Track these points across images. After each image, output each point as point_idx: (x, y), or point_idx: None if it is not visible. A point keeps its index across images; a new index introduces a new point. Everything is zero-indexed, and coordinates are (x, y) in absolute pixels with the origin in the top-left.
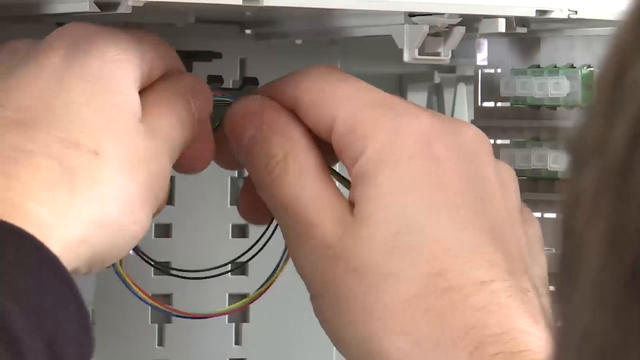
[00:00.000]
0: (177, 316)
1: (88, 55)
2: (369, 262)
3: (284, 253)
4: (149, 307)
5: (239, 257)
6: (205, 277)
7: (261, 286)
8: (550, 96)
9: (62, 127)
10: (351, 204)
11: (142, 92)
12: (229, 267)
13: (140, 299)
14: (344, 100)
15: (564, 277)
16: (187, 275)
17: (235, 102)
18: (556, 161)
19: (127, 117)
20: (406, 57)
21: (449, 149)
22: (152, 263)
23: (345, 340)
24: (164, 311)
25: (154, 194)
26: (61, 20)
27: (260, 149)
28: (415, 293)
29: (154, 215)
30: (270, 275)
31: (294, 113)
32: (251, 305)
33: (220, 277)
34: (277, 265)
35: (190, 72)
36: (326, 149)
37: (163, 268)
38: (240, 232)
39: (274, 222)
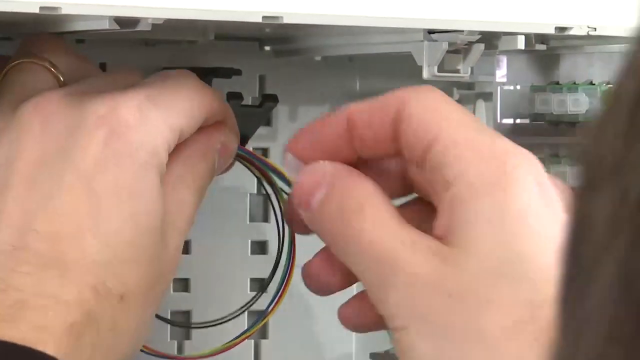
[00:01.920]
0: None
1: (121, 166)
2: (468, 288)
3: (287, 267)
4: (168, 324)
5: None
6: (223, 322)
7: (270, 304)
8: (569, 113)
9: (93, 270)
10: (438, 235)
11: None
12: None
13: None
14: (449, 119)
15: (571, 298)
16: (206, 325)
17: (302, 170)
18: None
19: (153, 239)
20: (425, 74)
21: (550, 182)
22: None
23: None
24: None
25: (165, 293)
26: (81, 37)
27: (334, 204)
28: (519, 319)
29: None
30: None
31: (392, 127)
32: (270, 322)
33: (240, 293)
34: (283, 281)
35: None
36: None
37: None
38: (259, 249)
39: (290, 236)
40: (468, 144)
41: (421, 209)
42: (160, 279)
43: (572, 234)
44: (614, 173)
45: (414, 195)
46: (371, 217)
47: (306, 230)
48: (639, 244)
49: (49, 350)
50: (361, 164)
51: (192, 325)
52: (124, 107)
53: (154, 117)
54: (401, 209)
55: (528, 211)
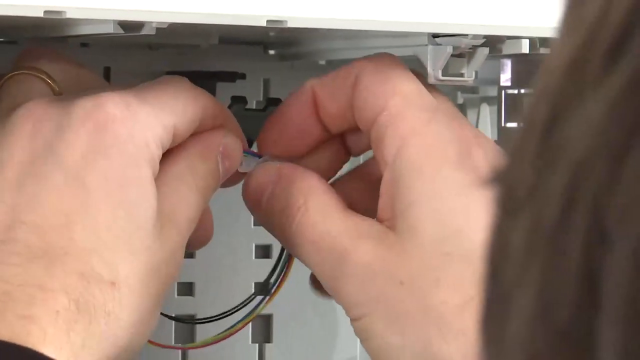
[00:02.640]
0: None
1: (109, 157)
2: (416, 272)
3: (282, 268)
4: (173, 327)
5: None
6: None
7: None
8: None
9: (81, 258)
10: (382, 218)
11: (168, 152)
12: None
13: None
14: (398, 94)
15: (491, 322)
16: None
17: (253, 170)
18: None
19: (145, 229)
20: (430, 79)
21: (485, 159)
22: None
23: (397, 355)
24: None
25: (167, 291)
26: (85, 41)
27: (280, 201)
28: (471, 296)
29: None
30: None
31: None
32: (275, 326)
33: (244, 297)
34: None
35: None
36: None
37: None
38: (263, 252)
39: None
40: (408, 120)
41: (366, 186)
42: (156, 273)
43: (491, 258)
44: (527, 200)
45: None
46: (314, 212)
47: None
48: (553, 271)
49: (34, 339)
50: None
51: (196, 321)
52: (110, 102)
53: (143, 113)
54: (348, 189)
55: (466, 189)
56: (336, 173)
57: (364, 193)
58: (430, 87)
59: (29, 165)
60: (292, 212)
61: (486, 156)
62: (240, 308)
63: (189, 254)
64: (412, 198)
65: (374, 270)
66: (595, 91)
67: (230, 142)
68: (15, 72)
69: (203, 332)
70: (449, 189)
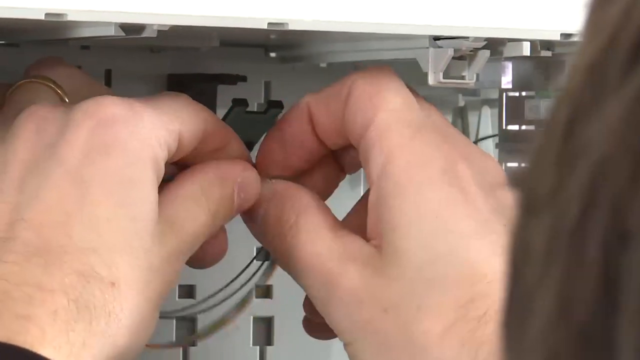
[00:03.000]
0: None
1: (110, 155)
2: (399, 299)
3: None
4: (174, 329)
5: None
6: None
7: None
8: None
9: (81, 257)
10: (370, 237)
11: (185, 173)
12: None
13: None
14: (385, 108)
15: (512, 322)
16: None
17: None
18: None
19: (145, 230)
20: (431, 81)
21: (471, 176)
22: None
23: None
24: None
25: (164, 298)
26: (87, 43)
27: (273, 218)
28: (451, 323)
29: None
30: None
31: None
32: (276, 328)
33: (245, 300)
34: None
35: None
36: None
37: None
38: (264, 254)
39: None
40: (393, 137)
41: (362, 202)
42: (155, 275)
43: (512, 260)
44: (548, 200)
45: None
46: (305, 231)
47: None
48: (573, 272)
49: (32, 339)
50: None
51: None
52: (113, 103)
53: (146, 114)
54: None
55: (450, 208)
56: (332, 191)
57: (360, 208)
58: (420, 99)
59: (31, 164)
60: (283, 231)
61: (472, 169)
62: (240, 275)
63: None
64: (395, 221)
65: (360, 296)
66: (616, 93)
67: (249, 176)
68: (24, 81)
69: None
70: (431, 211)
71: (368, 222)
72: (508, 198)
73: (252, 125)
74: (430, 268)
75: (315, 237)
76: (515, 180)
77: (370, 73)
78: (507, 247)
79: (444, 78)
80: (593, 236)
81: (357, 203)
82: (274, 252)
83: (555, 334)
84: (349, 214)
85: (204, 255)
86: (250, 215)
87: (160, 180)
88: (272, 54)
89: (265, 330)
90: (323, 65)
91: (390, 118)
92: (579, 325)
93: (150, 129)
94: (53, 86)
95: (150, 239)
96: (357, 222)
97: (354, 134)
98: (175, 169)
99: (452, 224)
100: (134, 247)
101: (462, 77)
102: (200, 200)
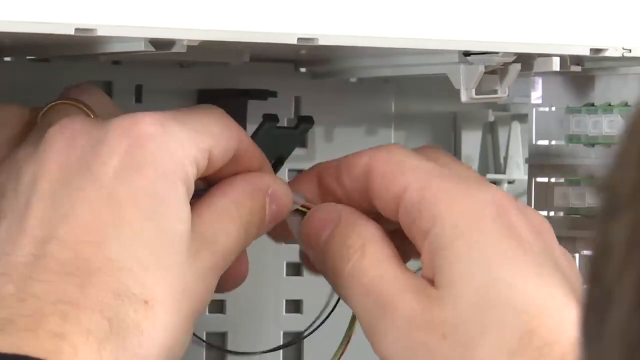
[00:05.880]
0: None
1: (142, 173)
2: (459, 325)
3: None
4: (204, 350)
5: None
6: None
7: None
8: (604, 134)
9: (116, 275)
10: (426, 277)
11: (215, 188)
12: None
13: None
14: (416, 170)
15: (591, 322)
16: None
17: (314, 209)
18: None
19: (179, 247)
20: (464, 98)
21: (522, 220)
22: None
23: None
24: None
25: (198, 314)
26: (117, 58)
27: (338, 242)
28: (512, 351)
29: None
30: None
31: (363, 186)
32: (306, 345)
33: (275, 315)
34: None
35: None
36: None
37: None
38: (294, 270)
39: None
40: (438, 189)
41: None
42: (188, 293)
43: (593, 259)
44: (630, 197)
45: None
46: (370, 257)
47: (315, 271)
48: None
49: (65, 357)
50: None
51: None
52: (146, 120)
53: (177, 132)
54: (403, 246)
55: (504, 245)
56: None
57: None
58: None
59: (62, 179)
60: (348, 254)
61: (522, 215)
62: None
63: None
64: (452, 257)
65: (418, 323)
66: None
67: (279, 188)
68: (56, 102)
69: (234, 349)
70: (488, 246)
71: (424, 269)
72: (556, 246)
73: (283, 141)
74: (489, 297)
75: (380, 264)
76: (597, 185)
77: (385, 147)
78: (590, 249)
79: (476, 94)
80: None
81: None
82: (332, 274)
83: (635, 325)
84: None
85: (226, 279)
86: (314, 236)
87: (191, 196)
88: (302, 69)
89: (295, 349)
90: (353, 80)
91: (427, 176)
92: None
93: (181, 146)
94: (84, 108)
95: (184, 256)
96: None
97: (387, 205)
98: (204, 184)
99: (508, 260)
100: (167, 265)
101: (495, 92)
102: (232, 214)
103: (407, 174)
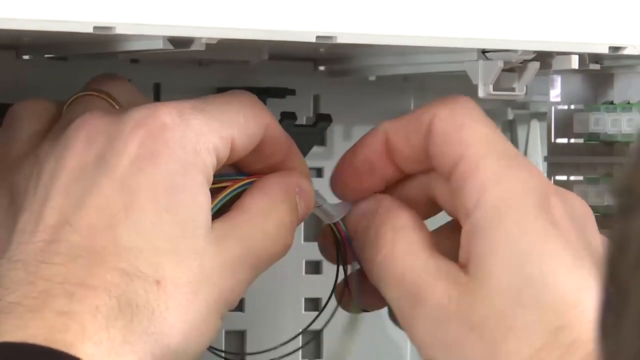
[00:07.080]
0: None
1: (156, 163)
2: (488, 318)
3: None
4: (223, 340)
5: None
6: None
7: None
8: (623, 132)
9: (126, 257)
10: (461, 263)
11: (246, 192)
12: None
13: None
14: (476, 141)
15: (608, 319)
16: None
17: (357, 203)
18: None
19: (194, 233)
20: (481, 93)
21: (563, 210)
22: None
23: None
24: None
25: (224, 305)
26: (136, 57)
27: (372, 232)
28: (539, 347)
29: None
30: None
31: (425, 142)
32: (325, 341)
33: (294, 313)
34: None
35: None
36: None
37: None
38: (314, 268)
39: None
40: (487, 169)
41: (457, 231)
42: (207, 279)
43: (610, 257)
44: None
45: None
46: (401, 247)
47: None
48: None
49: (72, 335)
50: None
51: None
52: (163, 112)
53: (196, 122)
54: (441, 231)
55: (543, 239)
56: (431, 214)
57: (447, 233)
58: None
59: (79, 172)
60: (380, 244)
61: (564, 204)
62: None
63: None
64: (489, 247)
65: (448, 313)
66: None
67: (304, 185)
68: (80, 94)
69: (253, 347)
70: (526, 238)
71: (461, 250)
72: (596, 235)
73: (301, 139)
74: (521, 292)
75: (411, 254)
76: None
77: (452, 103)
78: (606, 247)
79: (494, 90)
80: None
81: (441, 227)
82: (367, 264)
83: None
84: (433, 236)
85: None
86: (355, 227)
87: (210, 184)
88: (321, 68)
89: (314, 343)
90: (372, 78)
91: (481, 150)
92: None
93: (199, 136)
94: (108, 99)
95: (202, 242)
96: (443, 245)
97: (443, 168)
98: (234, 170)
99: (545, 254)
100: (182, 249)
101: (512, 89)
102: (267, 213)
103: (465, 142)
